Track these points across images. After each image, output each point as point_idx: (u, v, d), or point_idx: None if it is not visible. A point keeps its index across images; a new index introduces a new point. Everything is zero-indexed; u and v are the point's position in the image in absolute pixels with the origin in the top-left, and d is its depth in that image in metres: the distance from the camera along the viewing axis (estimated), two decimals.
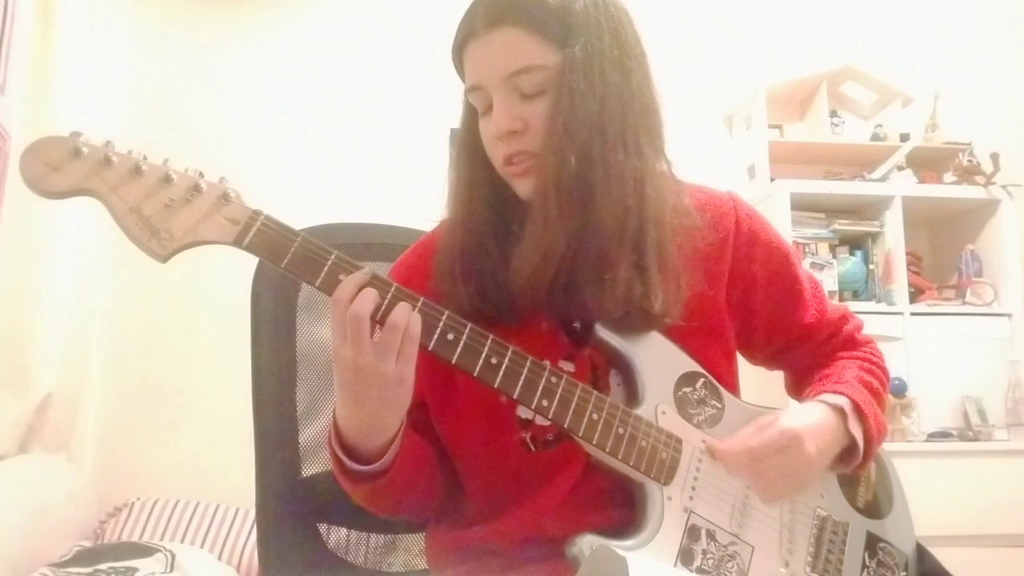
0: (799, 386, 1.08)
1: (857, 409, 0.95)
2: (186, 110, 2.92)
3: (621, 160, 0.86)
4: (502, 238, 0.91)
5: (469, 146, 0.94)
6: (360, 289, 0.77)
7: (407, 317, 0.78)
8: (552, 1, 0.85)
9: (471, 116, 0.93)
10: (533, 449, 0.91)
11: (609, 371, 0.93)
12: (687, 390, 0.93)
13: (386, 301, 0.78)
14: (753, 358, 1.09)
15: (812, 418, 0.93)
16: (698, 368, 0.95)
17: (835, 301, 2.19)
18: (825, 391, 0.98)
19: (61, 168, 0.74)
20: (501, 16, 0.85)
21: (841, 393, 0.97)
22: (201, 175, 0.78)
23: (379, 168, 2.96)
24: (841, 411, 0.94)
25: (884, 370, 1.06)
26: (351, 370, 0.77)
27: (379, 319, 0.78)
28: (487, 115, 0.89)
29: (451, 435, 0.97)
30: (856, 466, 0.97)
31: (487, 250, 0.90)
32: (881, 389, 1.03)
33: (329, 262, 0.79)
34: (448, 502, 1.00)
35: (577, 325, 0.91)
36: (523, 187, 0.90)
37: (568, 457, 0.89)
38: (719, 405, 0.95)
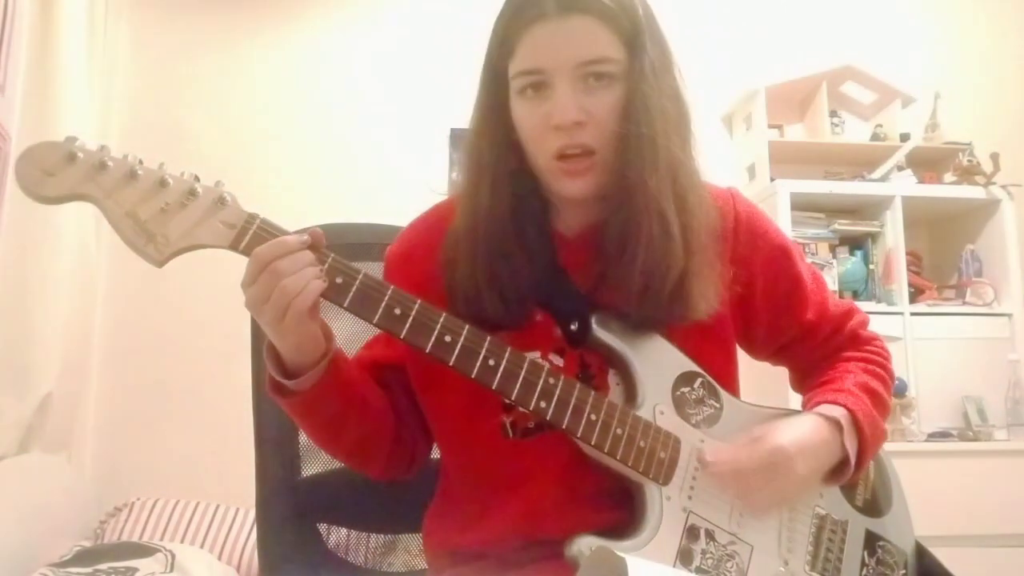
0: (803, 383, 1.07)
1: (854, 420, 0.95)
2: (186, 110, 2.92)
3: (692, 163, 0.89)
4: (520, 235, 0.90)
5: (497, 135, 0.90)
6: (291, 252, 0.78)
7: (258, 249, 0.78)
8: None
9: (501, 102, 0.90)
10: (511, 435, 0.91)
11: (607, 370, 0.92)
12: (685, 390, 0.93)
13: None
14: (756, 354, 1.08)
15: (806, 436, 0.91)
16: (696, 368, 0.94)
17: None
18: (824, 401, 0.97)
19: (56, 173, 0.74)
20: (578, 3, 0.84)
21: (839, 403, 0.96)
22: (197, 179, 0.78)
23: (379, 168, 2.96)
24: (837, 424, 0.93)
25: (888, 370, 1.05)
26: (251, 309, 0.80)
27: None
28: (537, 98, 0.87)
29: (433, 408, 0.97)
30: (849, 478, 0.96)
31: (510, 254, 0.89)
32: (884, 392, 1.02)
33: (326, 265, 0.79)
34: (438, 502, 1.00)
35: (575, 325, 0.91)
36: (576, 186, 0.88)
37: (549, 449, 0.89)
38: (717, 405, 0.95)
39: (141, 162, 0.77)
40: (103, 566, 2.00)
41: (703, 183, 0.94)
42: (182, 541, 2.42)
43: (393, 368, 0.98)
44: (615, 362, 0.92)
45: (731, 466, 0.89)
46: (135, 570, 2.00)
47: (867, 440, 0.95)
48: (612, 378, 0.92)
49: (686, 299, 0.88)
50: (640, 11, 0.88)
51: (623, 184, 0.87)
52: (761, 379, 1.16)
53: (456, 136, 2.91)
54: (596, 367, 0.92)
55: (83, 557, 2.07)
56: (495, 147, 0.90)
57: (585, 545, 0.79)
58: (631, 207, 0.86)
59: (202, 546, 2.43)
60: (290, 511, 1.08)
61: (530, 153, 0.89)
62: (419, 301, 0.81)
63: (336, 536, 1.13)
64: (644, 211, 0.86)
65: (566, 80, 0.84)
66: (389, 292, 0.80)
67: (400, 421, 0.98)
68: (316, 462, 1.13)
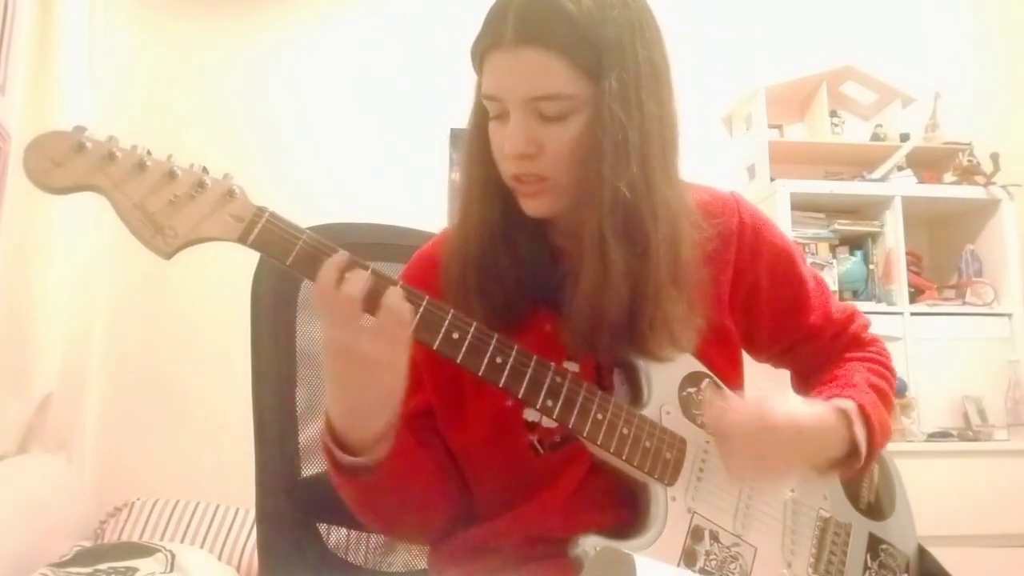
0: (806, 385, 1.07)
1: (863, 413, 0.94)
2: (186, 110, 2.92)
3: (665, 190, 0.86)
4: (512, 243, 0.90)
5: (480, 148, 0.91)
6: (343, 272, 0.75)
7: (398, 300, 0.76)
8: (586, 29, 0.81)
9: (482, 116, 0.90)
10: (542, 451, 0.91)
11: (613, 371, 0.93)
12: (692, 390, 0.93)
13: (371, 283, 0.76)
14: (758, 356, 1.09)
15: (803, 416, 0.90)
16: (703, 368, 0.94)
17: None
18: (833, 395, 0.97)
19: (64, 163, 0.73)
20: (533, 35, 0.81)
21: (848, 397, 0.96)
22: (205, 171, 0.77)
23: (379, 168, 2.96)
24: (845, 414, 0.93)
25: (891, 370, 1.06)
26: (343, 354, 0.75)
27: (368, 302, 0.76)
28: (500, 121, 0.87)
29: (459, 442, 0.96)
30: (858, 469, 0.96)
31: (499, 258, 0.89)
32: (889, 390, 1.03)
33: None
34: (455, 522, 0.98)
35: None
36: (531, 206, 0.88)
37: (575, 457, 0.89)
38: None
39: (149, 153, 0.76)
40: (103, 566, 2.00)
41: (686, 209, 0.91)
42: (182, 541, 2.42)
43: (424, 415, 0.95)
44: (622, 362, 0.92)
45: (718, 428, 0.87)
46: (135, 570, 2.00)
47: (875, 432, 0.95)
48: (617, 377, 0.93)
49: (638, 342, 0.87)
50: (615, 39, 0.83)
51: (575, 217, 0.86)
52: (760, 382, 1.16)
53: (456, 136, 2.91)
54: (606, 368, 0.92)
55: (83, 557, 2.07)
56: (484, 152, 0.90)
57: (590, 545, 0.78)
58: (580, 243, 0.86)
59: (202, 546, 2.42)
60: (290, 511, 1.08)
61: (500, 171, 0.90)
62: (427, 297, 0.80)
63: (336, 536, 1.12)
64: (588, 248, 0.85)
65: (519, 112, 0.83)
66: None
67: (446, 485, 0.94)
68: (316, 462, 1.13)
